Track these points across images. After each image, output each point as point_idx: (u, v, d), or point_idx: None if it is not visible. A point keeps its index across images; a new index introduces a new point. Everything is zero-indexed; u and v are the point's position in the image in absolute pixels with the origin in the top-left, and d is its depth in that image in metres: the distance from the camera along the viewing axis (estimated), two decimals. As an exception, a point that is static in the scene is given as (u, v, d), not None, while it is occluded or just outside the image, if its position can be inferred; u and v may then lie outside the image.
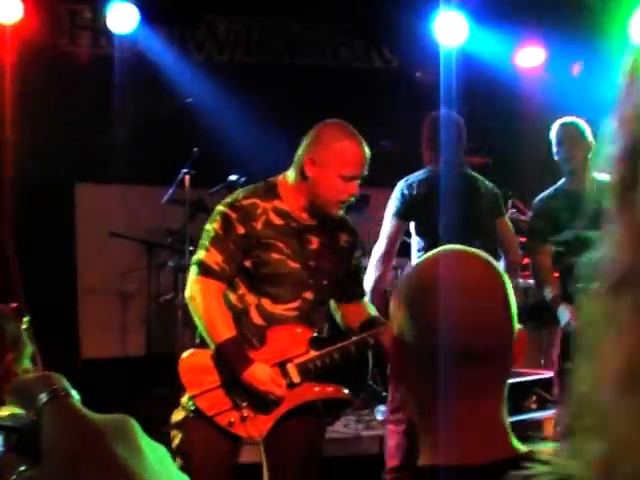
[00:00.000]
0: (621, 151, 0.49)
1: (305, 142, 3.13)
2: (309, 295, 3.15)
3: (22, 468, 0.58)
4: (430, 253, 1.35)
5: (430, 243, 4.24)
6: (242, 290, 3.12)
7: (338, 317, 3.38)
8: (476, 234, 4.25)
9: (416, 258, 4.44)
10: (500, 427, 1.25)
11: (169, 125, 6.22)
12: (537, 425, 5.34)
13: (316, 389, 3.19)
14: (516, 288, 1.98)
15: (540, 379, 5.71)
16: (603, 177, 0.56)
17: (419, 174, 4.46)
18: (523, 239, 4.90)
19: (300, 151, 3.13)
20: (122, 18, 6.17)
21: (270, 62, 6.90)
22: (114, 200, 6.70)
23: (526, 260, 5.10)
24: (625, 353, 0.47)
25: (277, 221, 3.12)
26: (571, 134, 4.41)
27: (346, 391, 3.27)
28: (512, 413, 1.29)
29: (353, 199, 3.16)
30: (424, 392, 1.26)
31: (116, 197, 6.73)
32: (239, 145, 5.75)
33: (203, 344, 3.13)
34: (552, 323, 4.58)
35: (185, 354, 3.18)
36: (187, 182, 5.81)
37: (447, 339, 1.21)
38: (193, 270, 3.11)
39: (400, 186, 4.43)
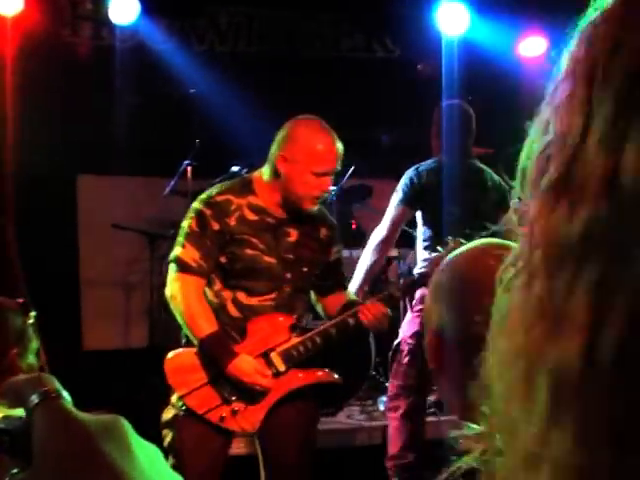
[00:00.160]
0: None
1: (277, 139, 3.12)
2: (287, 288, 3.16)
3: (14, 470, 0.59)
4: (464, 247, 1.41)
5: (437, 233, 4.23)
6: (218, 286, 3.13)
7: (319, 308, 3.40)
8: (481, 226, 4.24)
9: (422, 249, 4.42)
10: None
11: (171, 116, 6.21)
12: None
13: (303, 375, 3.19)
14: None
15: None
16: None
17: (429, 163, 4.42)
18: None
19: (273, 148, 3.13)
20: (124, 9, 6.15)
21: (271, 53, 6.88)
22: (116, 192, 6.69)
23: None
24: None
25: (251, 217, 3.12)
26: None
27: (336, 376, 3.26)
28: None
29: (326, 195, 3.19)
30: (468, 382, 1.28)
31: (118, 189, 6.72)
32: (241, 136, 5.73)
33: (190, 344, 3.14)
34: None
35: (170, 355, 3.19)
36: (189, 173, 5.81)
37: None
38: (172, 268, 3.12)
39: (409, 174, 4.39)
